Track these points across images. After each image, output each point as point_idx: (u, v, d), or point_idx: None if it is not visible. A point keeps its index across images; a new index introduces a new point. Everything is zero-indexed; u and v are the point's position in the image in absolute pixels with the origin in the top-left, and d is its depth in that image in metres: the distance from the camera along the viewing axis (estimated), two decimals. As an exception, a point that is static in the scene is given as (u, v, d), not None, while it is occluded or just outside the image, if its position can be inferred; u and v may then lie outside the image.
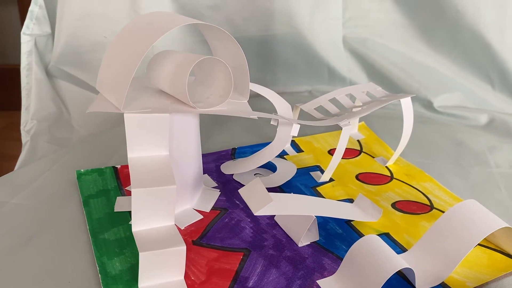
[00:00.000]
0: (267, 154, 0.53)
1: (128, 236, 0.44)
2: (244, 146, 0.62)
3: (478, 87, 0.78)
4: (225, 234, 0.45)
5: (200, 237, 0.45)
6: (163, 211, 0.39)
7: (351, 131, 0.53)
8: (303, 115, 0.61)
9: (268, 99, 0.55)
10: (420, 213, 0.49)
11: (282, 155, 0.61)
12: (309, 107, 0.58)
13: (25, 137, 0.74)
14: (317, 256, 0.42)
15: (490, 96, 0.78)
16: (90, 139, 0.67)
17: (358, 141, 0.65)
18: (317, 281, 0.39)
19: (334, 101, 0.59)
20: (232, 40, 0.45)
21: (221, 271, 0.40)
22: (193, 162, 0.48)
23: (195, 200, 0.50)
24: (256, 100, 0.55)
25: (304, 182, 0.55)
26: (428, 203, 0.52)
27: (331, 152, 0.62)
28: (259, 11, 0.76)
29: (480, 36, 0.74)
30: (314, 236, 0.45)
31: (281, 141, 0.52)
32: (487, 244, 0.45)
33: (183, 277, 0.39)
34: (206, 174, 0.55)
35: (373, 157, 0.61)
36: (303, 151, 0.62)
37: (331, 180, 0.55)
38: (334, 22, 0.79)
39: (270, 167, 0.57)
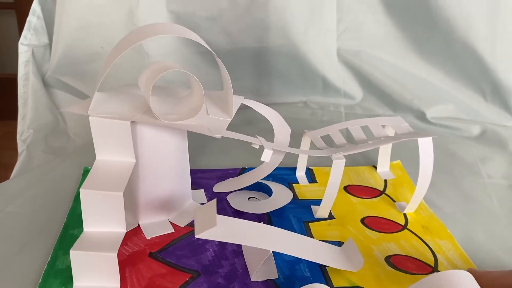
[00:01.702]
0: (255, 176, 0.53)
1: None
2: (255, 167, 0.59)
3: (471, 98, 0.79)
4: (184, 253, 0.45)
5: (159, 251, 0.45)
6: (111, 216, 0.40)
7: (342, 166, 0.48)
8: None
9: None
10: (416, 274, 0.43)
11: (292, 182, 0.58)
12: (315, 134, 0.55)
13: (21, 146, 0.74)
14: None
15: (482, 108, 0.78)
16: (86, 148, 0.68)
17: (385, 181, 0.59)
18: None
19: (346, 131, 0.56)
20: (213, 54, 0.45)
21: (159, 288, 0.40)
22: (170, 175, 0.48)
23: (174, 213, 0.50)
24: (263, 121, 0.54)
25: (298, 215, 0.51)
26: (432, 263, 0.45)
27: (347, 188, 0.57)
28: (254, 23, 0.77)
29: (472, 49, 0.75)
30: (272, 273, 0.42)
31: (269, 164, 0.52)
32: None
33: (119, 285, 0.40)
34: (202, 190, 0.55)
35: (395, 201, 0.55)
36: (316, 182, 0.58)
37: (331, 217, 0.51)
38: (328, 34, 0.80)
39: (268, 191, 0.55)
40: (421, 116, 0.78)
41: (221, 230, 0.36)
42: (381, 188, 0.58)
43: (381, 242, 0.48)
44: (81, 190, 0.39)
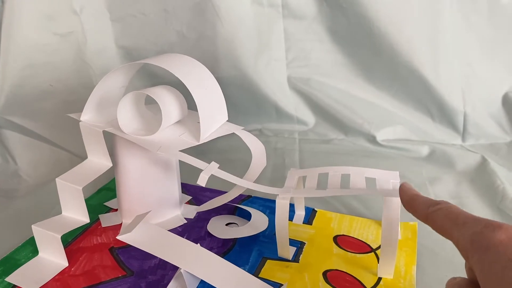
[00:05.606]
0: (221, 199, 0.56)
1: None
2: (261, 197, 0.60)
3: (419, 119, 0.81)
4: (137, 255, 0.49)
5: (120, 248, 0.50)
6: (75, 205, 0.47)
7: (286, 207, 0.46)
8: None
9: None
10: None
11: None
12: (295, 174, 0.53)
13: (-31, 192, 0.72)
14: None
15: (431, 128, 0.81)
16: (38, 189, 0.67)
17: None
18: None
19: (324, 176, 0.51)
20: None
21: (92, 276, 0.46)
22: (150, 185, 0.53)
23: (154, 221, 0.54)
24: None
25: (263, 249, 0.50)
26: None
27: (337, 238, 0.52)
28: (204, 56, 0.78)
29: (416, 72, 0.77)
30: None
31: (234, 191, 0.55)
32: None
33: (66, 264, 0.47)
34: (195, 206, 0.58)
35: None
36: (311, 225, 0.55)
37: (296, 260, 0.48)
38: (278, 63, 0.81)
39: (248, 217, 0.55)
40: (372, 139, 0.80)
41: (136, 237, 0.41)
42: (375, 246, 0.51)
43: None
44: (57, 180, 0.46)
